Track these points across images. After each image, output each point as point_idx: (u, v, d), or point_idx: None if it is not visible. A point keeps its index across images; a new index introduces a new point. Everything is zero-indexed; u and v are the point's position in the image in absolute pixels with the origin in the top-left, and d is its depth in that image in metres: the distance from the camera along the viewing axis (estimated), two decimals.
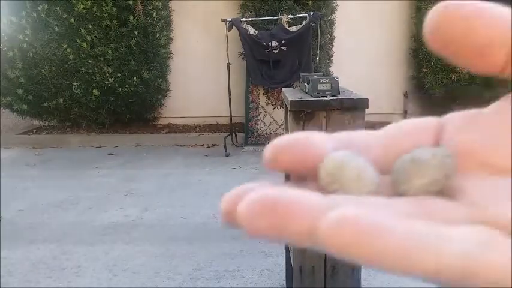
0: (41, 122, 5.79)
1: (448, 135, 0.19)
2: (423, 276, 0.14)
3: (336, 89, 1.71)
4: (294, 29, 4.79)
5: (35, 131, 5.70)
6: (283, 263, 2.22)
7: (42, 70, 5.14)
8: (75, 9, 4.99)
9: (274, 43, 4.77)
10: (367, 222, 0.14)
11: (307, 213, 0.15)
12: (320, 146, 0.19)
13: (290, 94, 1.75)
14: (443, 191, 0.18)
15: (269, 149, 0.19)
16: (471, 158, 0.18)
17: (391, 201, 0.17)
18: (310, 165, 0.19)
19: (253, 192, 0.16)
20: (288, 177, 0.22)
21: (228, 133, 5.06)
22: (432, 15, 0.17)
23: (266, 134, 5.05)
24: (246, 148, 4.98)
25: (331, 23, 5.26)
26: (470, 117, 0.19)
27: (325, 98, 1.59)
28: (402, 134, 0.20)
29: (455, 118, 0.20)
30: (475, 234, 0.14)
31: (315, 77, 1.78)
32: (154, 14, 5.10)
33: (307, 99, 1.60)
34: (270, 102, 5.06)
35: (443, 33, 0.17)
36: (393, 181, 0.18)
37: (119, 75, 5.15)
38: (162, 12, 5.25)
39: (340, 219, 0.14)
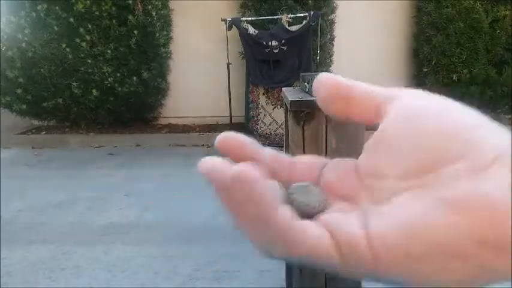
0: (40, 122, 5.78)
1: (325, 173, 0.28)
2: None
3: None
4: (294, 28, 4.79)
5: (34, 131, 5.69)
6: (283, 263, 2.21)
7: (42, 70, 5.12)
8: (75, 8, 4.97)
9: (274, 43, 4.76)
10: None
11: None
12: (253, 146, 0.27)
13: (290, 94, 1.75)
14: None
15: (218, 138, 0.26)
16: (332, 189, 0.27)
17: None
18: (243, 156, 0.26)
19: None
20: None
21: None
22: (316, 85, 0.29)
23: (266, 134, 5.04)
24: None
25: (332, 23, 5.25)
26: (338, 162, 0.29)
27: None
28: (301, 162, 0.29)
29: (332, 162, 0.29)
30: None
31: (315, 76, 1.77)
32: (154, 13, 5.09)
33: (307, 99, 1.59)
34: (270, 102, 5.05)
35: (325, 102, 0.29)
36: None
37: (119, 74, 5.14)
38: (162, 12, 5.24)
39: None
